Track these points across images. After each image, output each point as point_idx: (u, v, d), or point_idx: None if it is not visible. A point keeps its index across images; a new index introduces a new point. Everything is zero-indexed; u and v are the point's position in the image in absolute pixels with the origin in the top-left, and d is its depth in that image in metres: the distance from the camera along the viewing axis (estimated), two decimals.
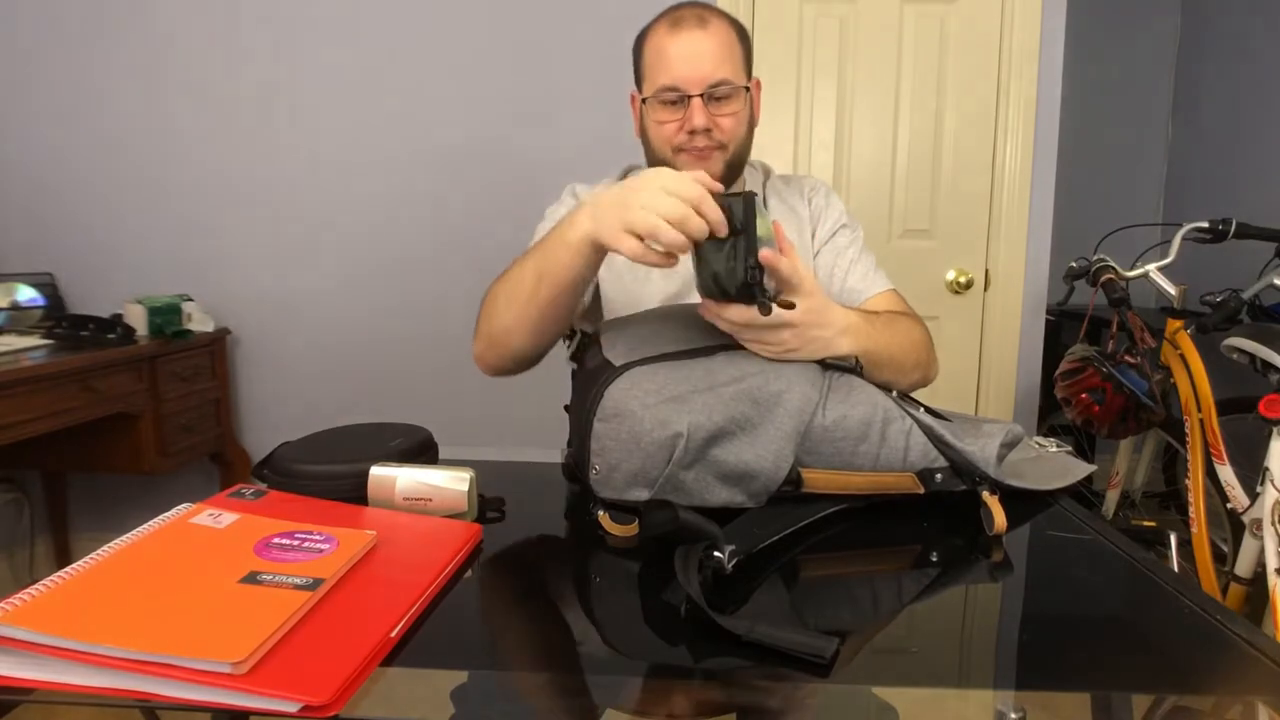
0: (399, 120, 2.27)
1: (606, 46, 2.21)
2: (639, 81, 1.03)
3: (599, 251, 0.77)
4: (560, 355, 1.22)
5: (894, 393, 0.77)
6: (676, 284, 1.05)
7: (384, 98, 2.26)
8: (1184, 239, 1.76)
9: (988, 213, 2.25)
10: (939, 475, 0.74)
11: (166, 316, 2.10)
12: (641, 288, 1.06)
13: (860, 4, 2.19)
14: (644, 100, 1.00)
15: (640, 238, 0.68)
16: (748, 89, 1.00)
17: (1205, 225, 1.76)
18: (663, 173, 0.70)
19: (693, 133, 0.97)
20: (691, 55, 0.95)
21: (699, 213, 0.66)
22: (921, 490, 0.74)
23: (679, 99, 0.97)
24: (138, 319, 2.06)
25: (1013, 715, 0.45)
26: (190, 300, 2.20)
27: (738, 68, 0.98)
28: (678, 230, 0.66)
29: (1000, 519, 0.69)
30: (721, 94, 0.97)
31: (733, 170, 1.03)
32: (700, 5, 0.99)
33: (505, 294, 0.87)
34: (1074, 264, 1.85)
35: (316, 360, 2.37)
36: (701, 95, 0.96)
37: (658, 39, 0.98)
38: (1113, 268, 1.78)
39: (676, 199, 0.66)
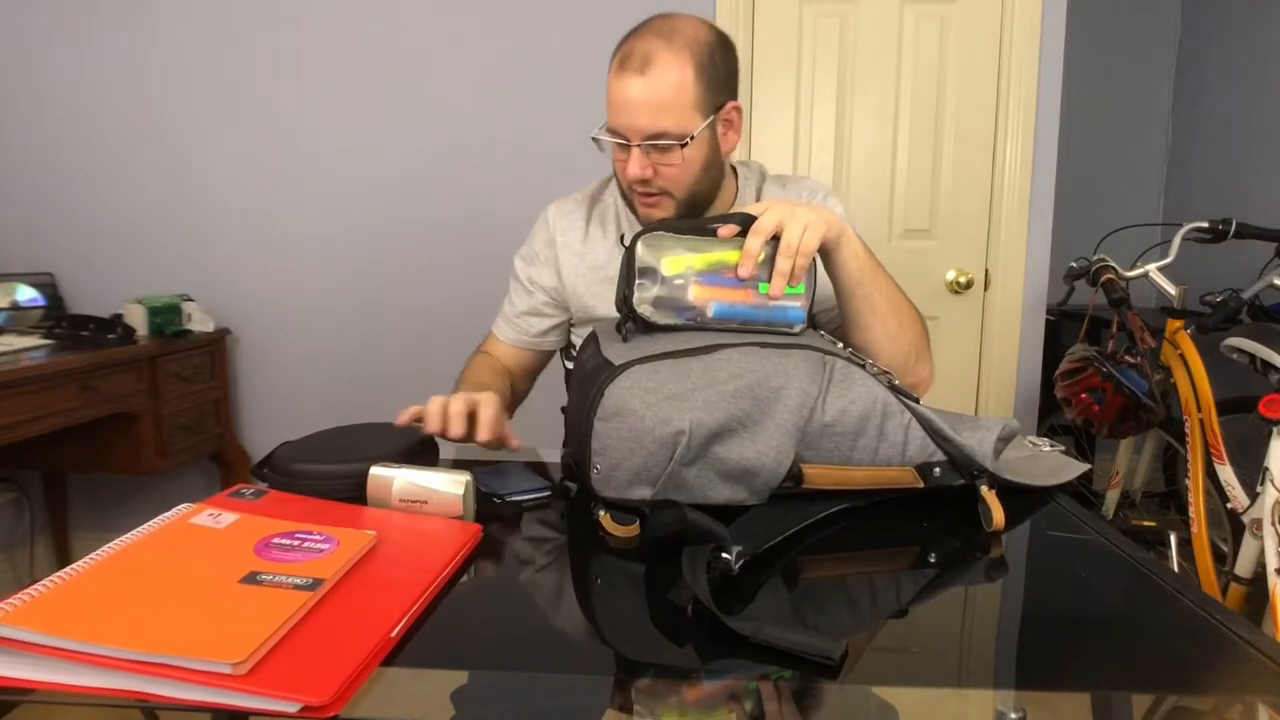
0: (399, 121, 2.26)
1: (606, 43, 2.21)
2: None
3: None
4: (559, 358, 1.23)
5: (891, 383, 0.77)
6: None
7: (384, 98, 2.26)
8: (1184, 239, 1.76)
9: (988, 213, 2.25)
10: (938, 469, 0.74)
11: (166, 316, 2.10)
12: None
13: (860, 4, 2.19)
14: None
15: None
16: (693, 137, 0.93)
17: (1205, 225, 1.76)
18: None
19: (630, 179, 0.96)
20: (627, 106, 0.92)
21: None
22: (921, 485, 0.74)
23: (624, 144, 0.95)
24: (138, 319, 2.06)
25: (1013, 715, 0.45)
26: (190, 300, 2.20)
27: (685, 113, 0.92)
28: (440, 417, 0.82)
29: (998, 515, 0.69)
30: (662, 145, 0.93)
31: (696, 206, 1.01)
32: (657, 33, 0.93)
33: None
34: (1074, 264, 1.85)
35: (316, 360, 2.37)
36: (640, 145, 0.93)
37: (611, 73, 0.94)
38: (1113, 268, 1.78)
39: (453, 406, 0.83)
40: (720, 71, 0.96)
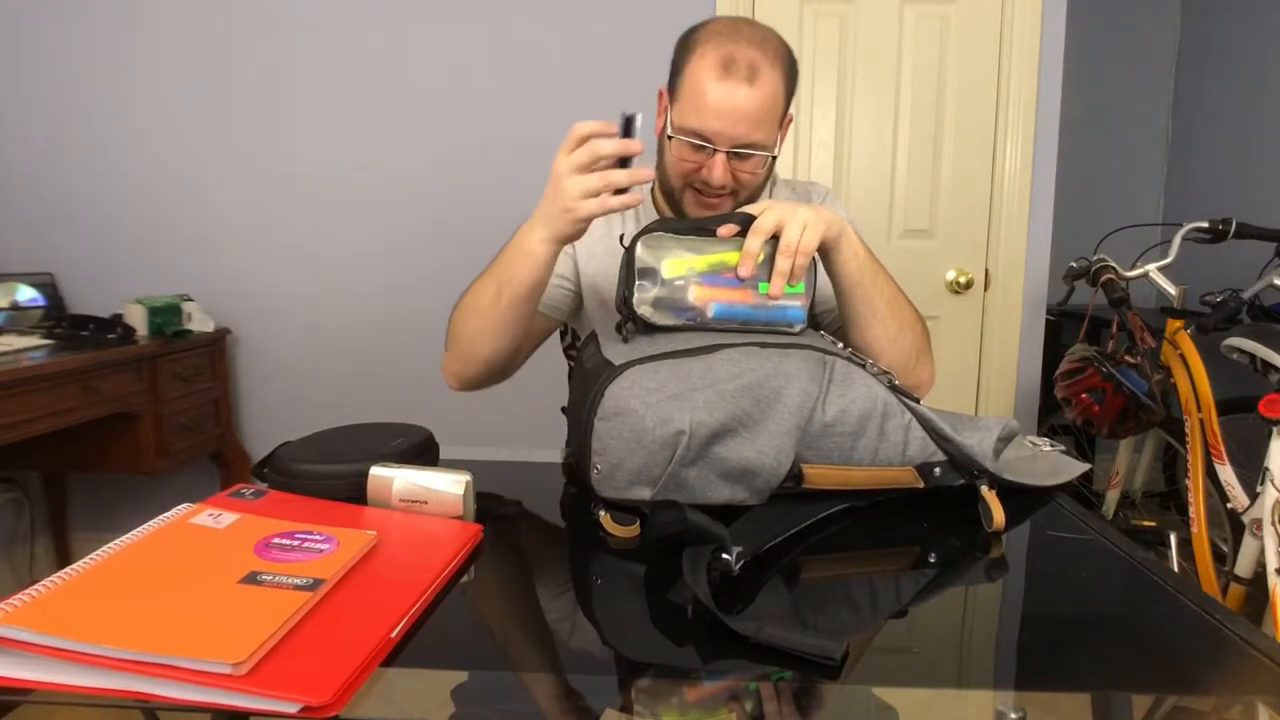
0: (399, 121, 2.27)
1: (608, 44, 2.21)
2: (672, 94, 0.97)
3: (560, 244, 0.88)
4: (561, 358, 1.23)
5: (891, 382, 0.77)
6: None
7: (385, 99, 2.26)
8: (1184, 239, 1.77)
9: (988, 212, 2.25)
10: (938, 469, 0.74)
11: (166, 316, 2.10)
12: None
13: (860, 4, 2.19)
14: (669, 135, 0.96)
15: (595, 194, 0.82)
16: (775, 156, 0.97)
17: (1205, 225, 1.76)
18: (560, 161, 0.85)
19: (707, 183, 0.95)
20: (729, 112, 0.90)
21: (598, 150, 0.81)
22: (921, 485, 0.74)
23: (704, 146, 0.93)
24: (138, 319, 2.06)
25: (1013, 715, 0.45)
26: (190, 300, 2.20)
27: (774, 125, 0.94)
28: (604, 174, 0.81)
29: (999, 514, 0.69)
30: (748, 153, 0.94)
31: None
32: (751, 42, 0.91)
33: (470, 305, 0.98)
34: (1074, 264, 1.85)
35: (316, 360, 2.37)
36: (728, 152, 0.93)
37: (702, 72, 0.91)
38: (1113, 268, 1.78)
39: (582, 155, 0.83)
40: (795, 83, 0.97)
